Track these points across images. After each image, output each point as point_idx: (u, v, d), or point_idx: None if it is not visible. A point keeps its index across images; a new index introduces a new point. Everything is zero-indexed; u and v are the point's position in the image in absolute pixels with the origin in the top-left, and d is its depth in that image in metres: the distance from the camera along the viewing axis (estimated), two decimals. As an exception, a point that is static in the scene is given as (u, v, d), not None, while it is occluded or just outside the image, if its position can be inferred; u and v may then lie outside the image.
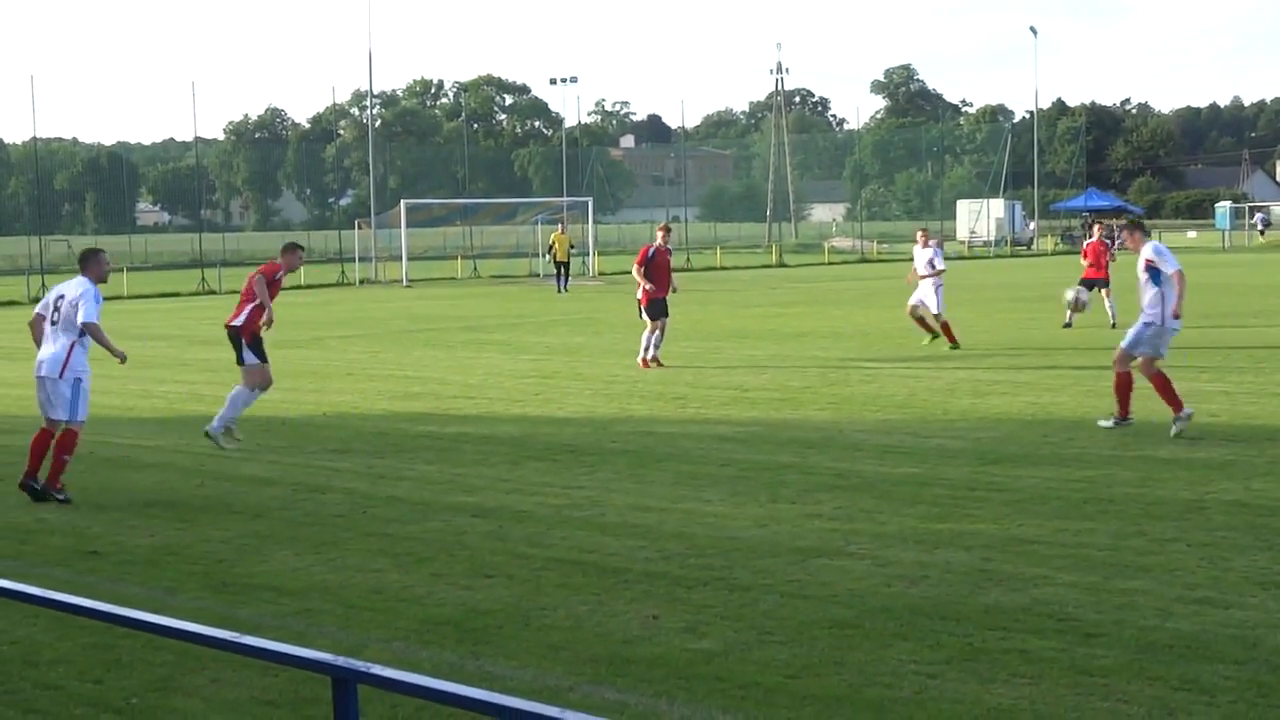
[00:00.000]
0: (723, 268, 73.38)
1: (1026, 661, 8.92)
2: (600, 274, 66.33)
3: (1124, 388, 17.77)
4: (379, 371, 26.64)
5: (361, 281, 66.80)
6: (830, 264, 77.79)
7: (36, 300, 54.56)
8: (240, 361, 18.48)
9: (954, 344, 28.01)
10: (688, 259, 77.69)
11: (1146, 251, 17.52)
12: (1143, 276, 17.66)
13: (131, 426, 20.18)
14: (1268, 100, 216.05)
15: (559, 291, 54.20)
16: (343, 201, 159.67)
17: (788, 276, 63.64)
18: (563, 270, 55.67)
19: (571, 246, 57.63)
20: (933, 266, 28.83)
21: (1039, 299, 41.98)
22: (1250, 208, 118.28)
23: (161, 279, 66.98)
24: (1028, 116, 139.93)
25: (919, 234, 29.87)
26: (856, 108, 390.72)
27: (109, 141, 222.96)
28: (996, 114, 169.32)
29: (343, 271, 68.70)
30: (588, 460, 16.48)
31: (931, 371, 24.19)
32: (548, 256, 59.10)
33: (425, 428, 19.42)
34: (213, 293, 59.11)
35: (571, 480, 15.26)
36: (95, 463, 17.16)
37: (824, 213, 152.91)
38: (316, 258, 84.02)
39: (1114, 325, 31.44)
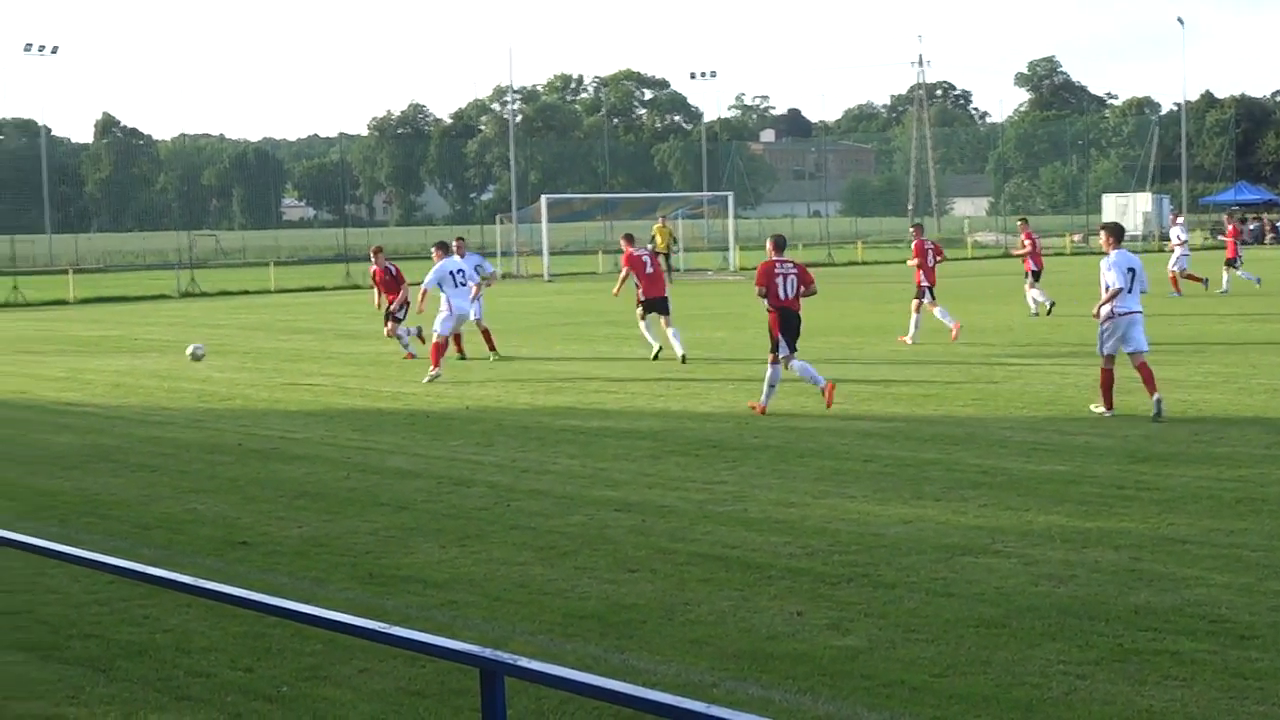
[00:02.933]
0: (864, 262, 72.98)
1: (1178, 663, 8.78)
2: (741, 269, 66.15)
3: None
4: (521, 366, 26.79)
5: (504, 276, 67.25)
6: (973, 258, 77.03)
7: (187, 294, 55.69)
8: None
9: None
10: (829, 254, 77.43)
11: None
12: None
13: (280, 419, 20.46)
14: None
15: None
16: (484, 196, 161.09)
17: (1021, 272, 63.09)
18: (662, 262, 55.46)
19: (674, 239, 57.94)
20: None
21: (1189, 295, 41.25)
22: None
23: (306, 273, 67.84)
24: (1175, 109, 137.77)
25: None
26: (999, 100, 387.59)
27: (255, 138, 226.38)
28: (1143, 106, 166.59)
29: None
30: (730, 455, 16.46)
31: (1078, 368, 23.84)
32: (649, 247, 59.43)
33: (568, 422, 19.49)
34: (356, 287, 59.74)
35: (714, 475, 15.25)
36: (244, 454, 17.42)
37: (966, 207, 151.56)
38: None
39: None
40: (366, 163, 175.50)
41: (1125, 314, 18.93)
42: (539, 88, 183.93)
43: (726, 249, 71.50)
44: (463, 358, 27.36)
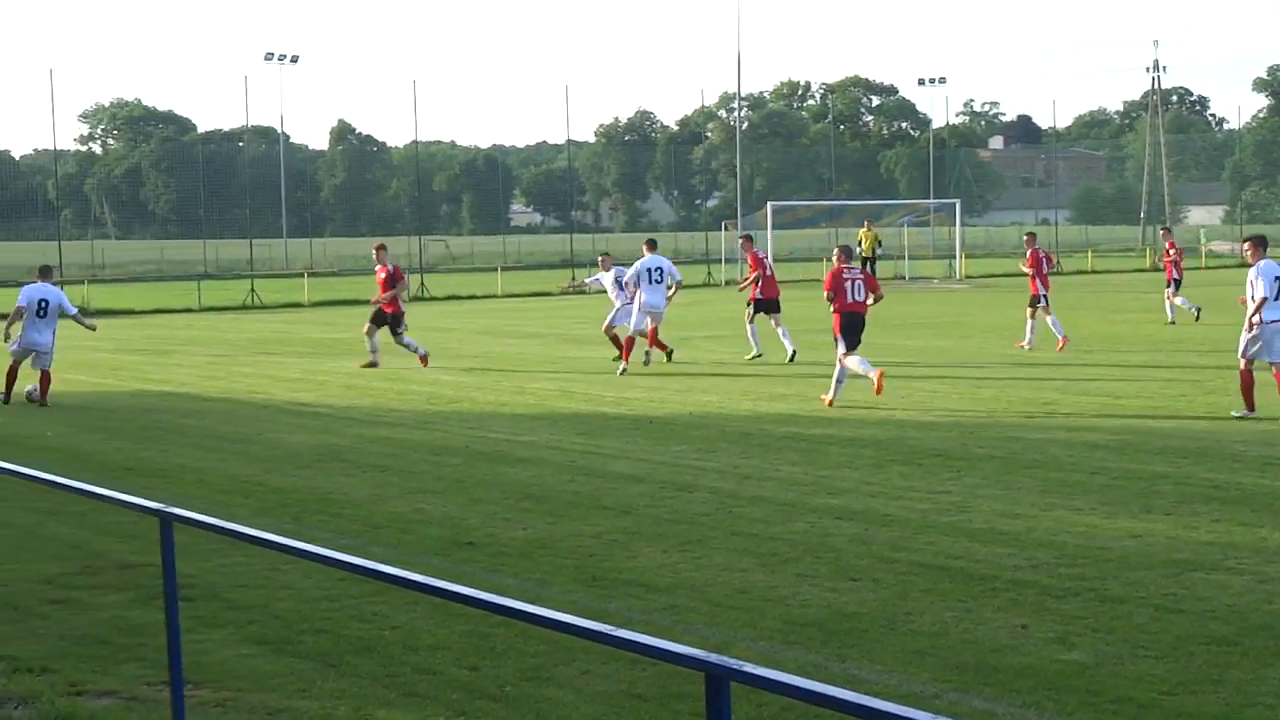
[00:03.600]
0: (1094, 271, 71.64)
1: None
2: (967, 277, 65.47)
3: None
4: (744, 371, 26.80)
5: (727, 283, 67.32)
6: (1207, 268, 75.20)
7: (416, 299, 56.70)
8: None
9: None
10: (1057, 262, 76.18)
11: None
12: None
13: (505, 422, 20.75)
14: None
15: None
16: (709, 203, 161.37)
17: (1163, 281, 61.75)
18: (867, 266, 56.56)
19: (879, 243, 58.13)
20: None
21: None
22: None
23: (533, 278, 68.65)
24: None
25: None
26: (1238, 107, 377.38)
27: (485, 144, 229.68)
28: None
29: (709, 272, 69.32)
30: (954, 465, 16.30)
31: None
32: (856, 251, 60.13)
33: (789, 429, 19.47)
34: (582, 292, 60.34)
35: (937, 485, 15.12)
36: (471, 456, 17.69)
37: (1201, 215, 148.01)
38: (683, 259, 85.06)
39: None
40: (593, 169, 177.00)
41: (1272, 322, 19.63)
42: (766, 94, 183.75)
43: (952, 257, 70.78)
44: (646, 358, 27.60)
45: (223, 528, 7.39)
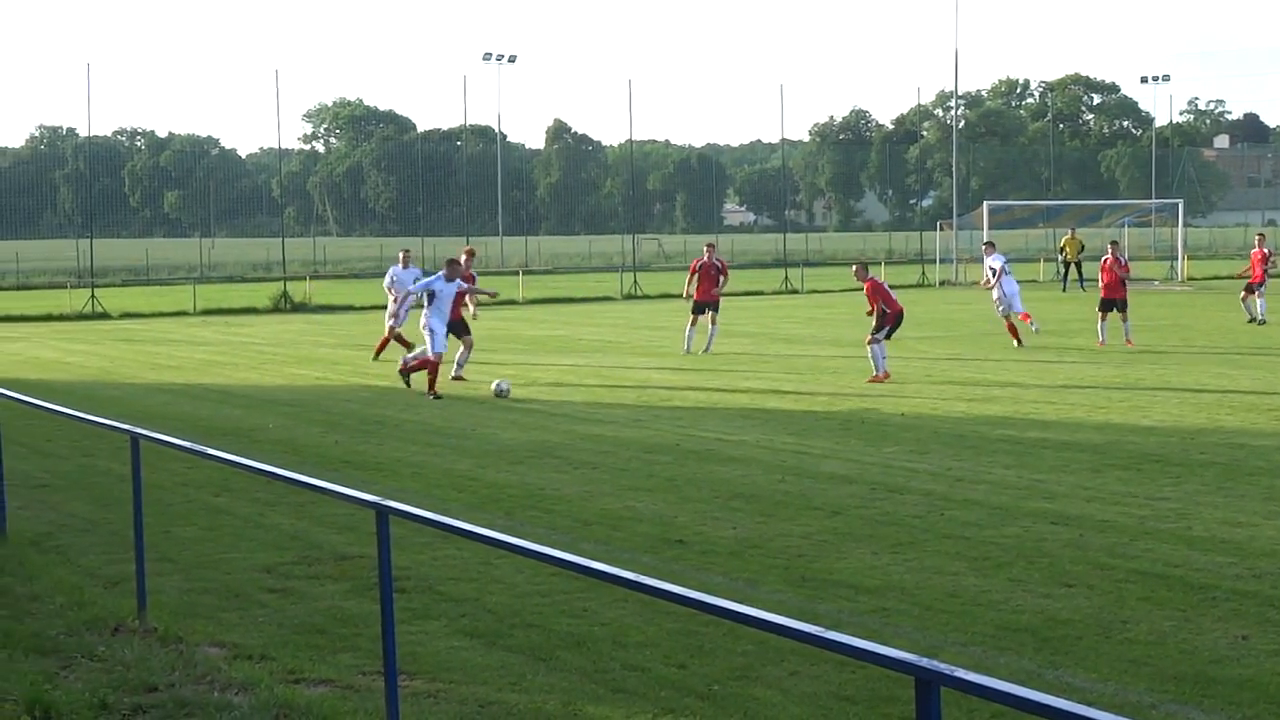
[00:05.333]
0: (1322, 274, 69.56)
1: None
2: (1189, 279, 64.02)
3: None
4: (958, 373, 26.51)
5: (942, 283, 66.70)
6: None
7: (629, 296, 57.11)
8: None
9: None
10: (1274, 263, 74.07)
11: None
12: None
13: (716, 420, 20.76)
14: None
15: (1062, 291, 56.70)
16: (924, 203, 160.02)
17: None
18: (1073, 270, 58.03)
19: (1082, 249, 58.05)
20: None
21: None
22: None
23: (746, 278, 68.54)
24: None
25: None
26: None
27: (699, 143, 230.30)
28: None
29: (923, 272, 68.72)
30: (1173, 471, 15.94)
31: None
32: (1060, 257, 60.30)
33: (1003, 431, 19.21)
34: (794, 292, 60.20)
35: (1156, 491, 14.80)
36: (681, 454, 17.73)
37: None
38: (897, 258, 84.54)
39: None
40: (807, 168, 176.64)
41: None
42: (983, 93, 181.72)
43: (1174, 258, 69.29)
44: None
45: (437, 521, 7.50)
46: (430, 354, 24.02)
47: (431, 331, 24.18)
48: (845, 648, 5.42)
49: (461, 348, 26.41)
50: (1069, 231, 62.02)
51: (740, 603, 6.05)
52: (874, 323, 25.74)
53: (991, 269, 32.77)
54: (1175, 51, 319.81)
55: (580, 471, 16.70)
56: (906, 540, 12.77)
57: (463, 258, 28.22)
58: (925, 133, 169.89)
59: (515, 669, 9.37)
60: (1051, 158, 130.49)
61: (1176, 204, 72.04)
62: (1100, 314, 32.40)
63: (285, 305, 54.28)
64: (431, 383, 23.86)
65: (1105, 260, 32.90)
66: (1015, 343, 31.49)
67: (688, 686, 8.95)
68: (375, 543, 7.68)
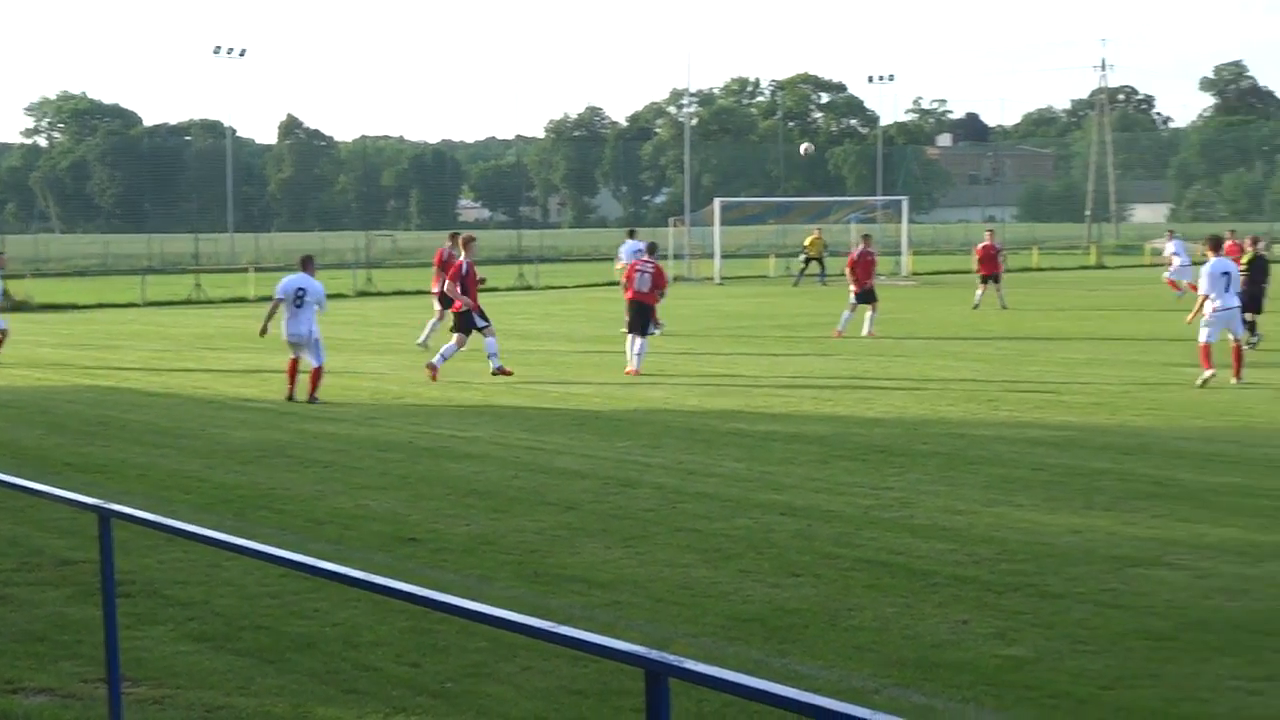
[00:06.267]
0: (1039, 269, 71.97)
1: (1356, 682, 8.58)
2: (914, 274, 65.67)
3: None
4: (690, 368, 26.82)
5: (676, 279, 67.35)
6: (1153, 265, 75.71)
7: (363, 293, 56.56)
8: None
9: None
10: (1004, 259, 76.54)
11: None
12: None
13: (450, 417, 20.70)
14: None
15: (794, 285, 58.98)
16: (657, 199, 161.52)
17: (1107, 279, 62.20)
18: (814, 265, 60.06)
19: (825, 246, 60.45)
20: None
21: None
22: None
23: (481, 274, 68.51)
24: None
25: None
26: (1183, 105, 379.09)
27: (434, 139, 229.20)
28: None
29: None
30: (897, 461, 16.36)
31: (1259, 378, 23.37)
32: (803, 254, 62.40)
33: (735, 425, 19.50)
34: (529, 288, 60.23)
35: (880, 481, 15.17)
36: (415, 452, 17.64)
37: (1145, 213, 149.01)
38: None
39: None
40: (542, 165, 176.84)
41: (1224, 310, 23.01)
42: (715, 91, 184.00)
43: (899, 254, 71.02)
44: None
45: (162, 524, 7.35)
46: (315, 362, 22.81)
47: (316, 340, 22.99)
48: (576, 642, 5.45)
49: (452, 341, 26.07)
50: (816, 231, 63.66)
51: (473, 600, 6.04)
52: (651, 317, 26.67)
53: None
54: (900, 52, 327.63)
55: (312, 470, 16.51)
56: (639, 534, 12.88)
57: (447, 244, 29.66)
58: (659, 130, 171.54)
59: (244, 672, 9.23)
60: (781, 155, 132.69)
61: (901, 201, 73.83)
62: (852, 306, 33.63)
63: (5, 304, 52.55)
64: (311, 387, 22.83)
65: (853, 255, 34.27)
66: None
67: (420, 685, 8.92)
68: (98, 546, 7.50)
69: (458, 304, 26.03)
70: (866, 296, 33.68)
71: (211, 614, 10.56)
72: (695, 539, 12.65)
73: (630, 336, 26.26)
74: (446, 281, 27.05)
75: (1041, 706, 8.31)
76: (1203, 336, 23.10)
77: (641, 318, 26.30)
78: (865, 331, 32.98)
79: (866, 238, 35.91)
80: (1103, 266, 75.50)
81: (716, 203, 68.74)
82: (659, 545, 12.45)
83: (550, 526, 13.27)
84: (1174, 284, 46.55)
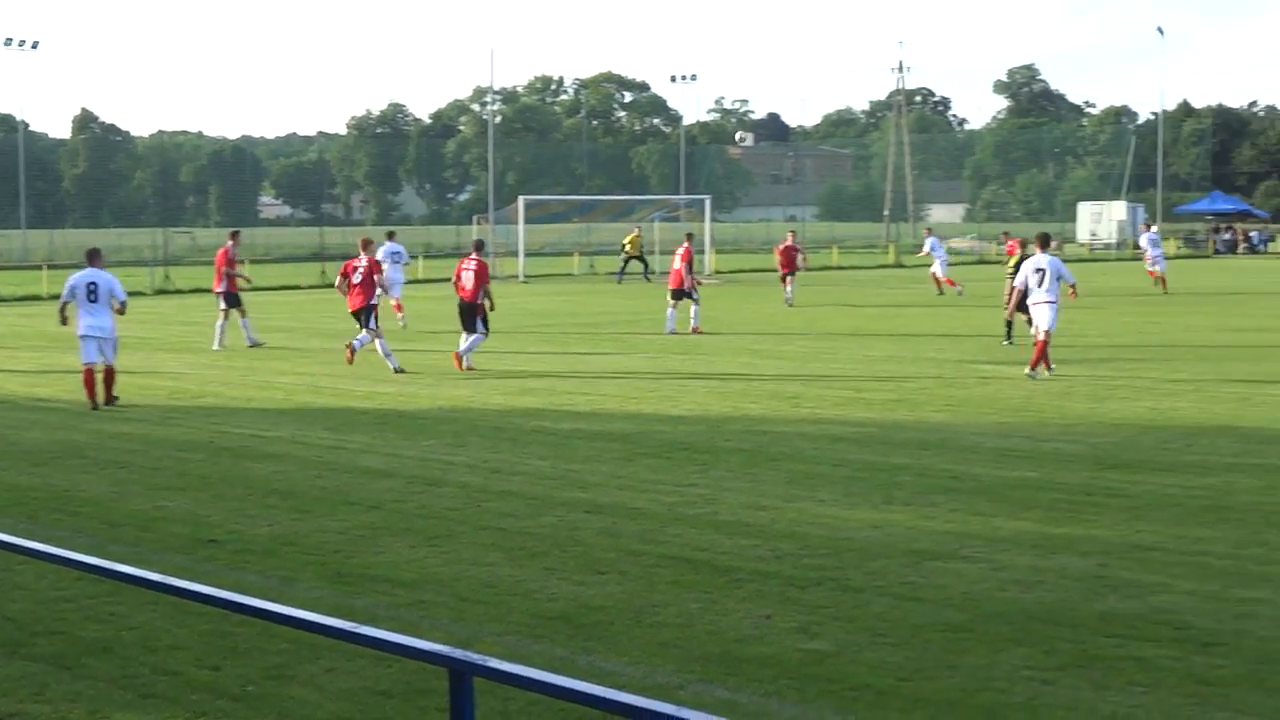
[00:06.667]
0: (839, 267, 73.00)
1: (1142, 669, 8.83)
2: (717, 272, 66.19)
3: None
4: (494, 366, 26.75)
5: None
6: (950, 265, 77.13)
7: (161, 292, 55.56)
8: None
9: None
10: (804, 258, 77.59)
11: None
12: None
13: (251, 417, 20.42)
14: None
15: (617, 282, 59.70)
16: (461, 197, 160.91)
17: (905, 277, 63.25)
18: (634, 265, 60.91)
19: (643, 245, 61.75)
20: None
21: (1160, 302, 41.43)
22: None
23: (282, 272, 67.66)
24: (1152, 118, 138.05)
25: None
26: (978, 108, 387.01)
27: (234, 135, 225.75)
28: (1120, 115, 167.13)
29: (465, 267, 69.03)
30: (701, 458, 16.48)
31: (1048, 376, 23.93)
32: (623, 252, 63.11)
33: (539, 423, 19.50)
34: (331, 286, 59.56)
35: (684, 478, 15.27)
36: (215, 452, 17.38)
37: (942, 213, 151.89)
38: (435, 252, 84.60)
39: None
40: (344, 162, 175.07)
41: (1042, 302, 24.16)
42: (519, 89, 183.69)
43: (702, 252, 71.53)
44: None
45: (-51, 527, 7.15)
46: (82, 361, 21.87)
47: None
48: (380, 642, 5.42)
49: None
50: (636, 230, 64.24)
51: (275, 601, 5.99)
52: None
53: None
54: (702, 52, 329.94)
55: (108, 472, 16.18)
56: (444, 533, 12.83)
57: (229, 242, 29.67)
58: (463, 127, 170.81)
59: (38, 678, 9.01)
60: (585, 154, 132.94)
61: (704, 200, 74.41)
62: (671, 302, 34.21)
63: None
64: (107, 389, 21.97)
65: (681, 251, 34.97)
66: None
67: (221, 688, 8.78)
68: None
69: (361, 301, 26.61)
70: (681, 294, 34.12)
71: (3, 620, 10.30)
72: (500, 537, 12.63)
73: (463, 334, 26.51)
74: (339, 278, 27.74)
75: (842, 699, 8.43)
76: (1041, 329, 24.10)
77: (469, 316, 26.38)
78: (691, 328, 33.49)
79: (690, 236, 36.77)
80: (901, 265, 76.71)
81: (520, 200, 68.66)
82: (464, 544, 12.41)
83: (354, 526, 13.16)
84: (937, 280, 49.30)
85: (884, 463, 16.01)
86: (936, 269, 49.98)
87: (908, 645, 9.39)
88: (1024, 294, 24.76)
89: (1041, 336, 24.07)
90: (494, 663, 5.01)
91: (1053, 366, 24.12)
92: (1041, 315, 24.20)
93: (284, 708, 8.45)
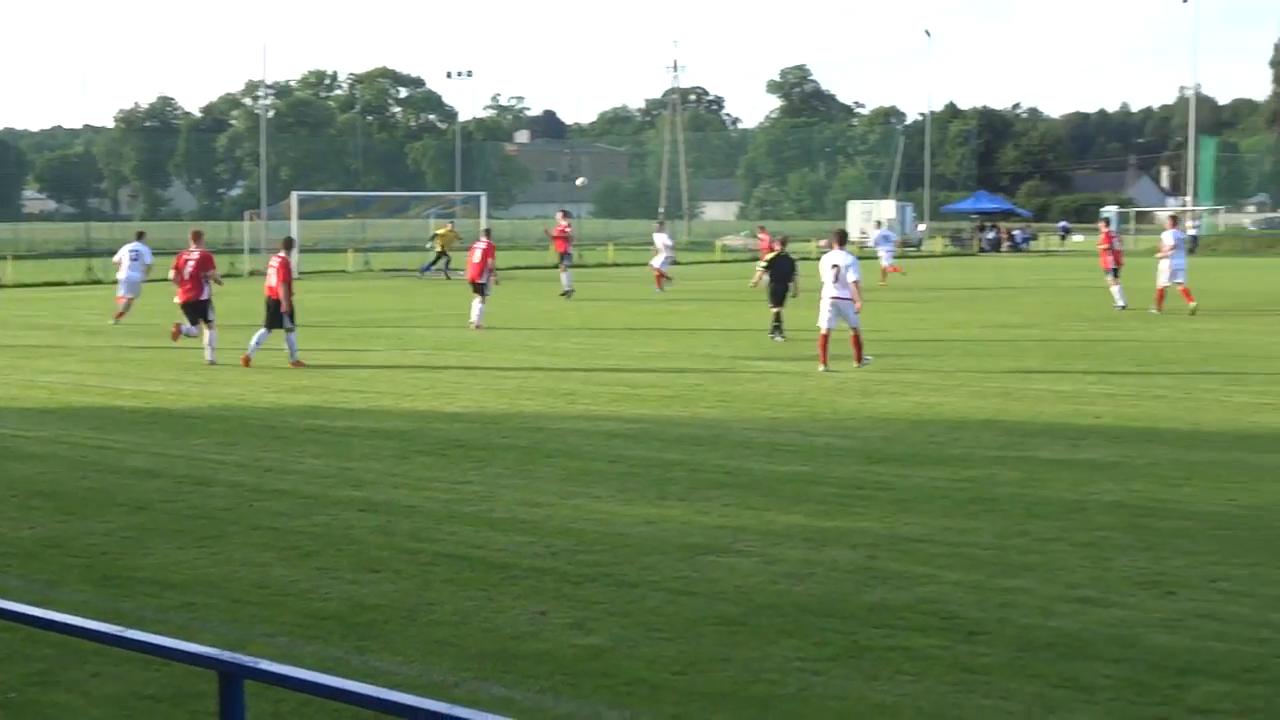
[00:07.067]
0: (615, 264, 73.38)
1: (910, 659, 9.02)
2: (456, 269, 66.10)
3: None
4: (267, 363, 26.39)
5: (250, 273, 66.12)
6: (723, 262, 77.99)
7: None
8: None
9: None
10: (579, 255, 77.83)
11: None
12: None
13: (13, 417, 19.89)
14: (1154, 107, 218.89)
15: (425, 275, 60.38)
16: (233, 192, 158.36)
17: (680, 274, 63.77)
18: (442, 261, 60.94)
19: (458, 238, 61.38)
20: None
21: (928, 299, 42.35)
22: (1071, 222, 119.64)
23: (47, 268, 65.99)
24: (920, 119, 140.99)
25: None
26: (751, 107, 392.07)
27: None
28: (889, 116, 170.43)
29: (232, 263, 67.97)
30: (477, 455, 16.45)
31: (821, 371, 24.33)
32: (431, 245, 63.05)
33: (313, 421, 19.29)
34: (99, 282, 58.30)
35: (460, 475, 15.23)
36: (-24, 453, 16.89)
37: (716, 211, 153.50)
38: (206, 247, 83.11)
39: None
40: (112, 156, 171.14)
41: (836, 299, 24.85)
42: (293, 83, 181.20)
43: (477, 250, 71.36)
44: None
45: None
46: None
47: None
48: (147, 645, 5.32)
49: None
50: (449, 224, 64.39)
51: (37, 605, 5.84)
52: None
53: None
54: (479, 48, 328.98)
55: None
56: (214, 533, 12.63)
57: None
58: (234, 121, 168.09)
59: None
60: (360, 149, 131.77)
61: (480, 196, 74.24)
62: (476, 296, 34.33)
63: None
64: None
65: (477, 247, 35.22)
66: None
67: (-18, 696, 8.54)
68: None
69: (193, 294, 27.12)
70: (480, 287, 34.41)
71: None
72: (273, 537, 12.47)
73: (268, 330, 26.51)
74: (172, 272, 27.65)
75: (618, 694, 8.47)
76: (822, 324, 24.91)
77: (272, 312, 26.44)
78: (473, 322, 33.78)
79: (487, 231, 36.87)
80: (676, 262, 77.29)
81: (294, 196, 67.84)
82: (235, 544, 12.23)
83: (121, 528, 12.89)
84: (659, 274, 50.58)
85: (658, 458, 16.13)
86: (659, 261, 51.67)
87: (682, 639, 9.47)
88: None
89: (825, 330, 24.83)
90: (265, 664, 4.96)
91: (828, 364, 24.63)
92: (827, 311, 24.91)
93: (47, 715, 8.25)
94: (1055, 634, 9.49)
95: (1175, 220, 41.76)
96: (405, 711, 4.53)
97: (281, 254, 26.95)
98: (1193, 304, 36.59)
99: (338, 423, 19.14)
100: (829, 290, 24.95)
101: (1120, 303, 38.76)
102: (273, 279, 26.63)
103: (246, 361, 25.70)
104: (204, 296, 27.07)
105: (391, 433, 18.24)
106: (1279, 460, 15.88)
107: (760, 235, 52.75)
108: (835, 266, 25.06)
